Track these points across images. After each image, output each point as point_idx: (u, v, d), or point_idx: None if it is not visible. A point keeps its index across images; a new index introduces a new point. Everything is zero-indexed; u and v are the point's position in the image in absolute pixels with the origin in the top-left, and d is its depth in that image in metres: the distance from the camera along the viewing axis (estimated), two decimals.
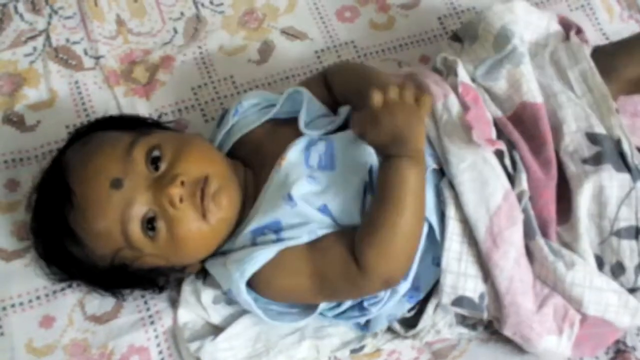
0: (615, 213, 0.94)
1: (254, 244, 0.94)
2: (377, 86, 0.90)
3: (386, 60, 1.23)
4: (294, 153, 0.95)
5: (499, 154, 0.96)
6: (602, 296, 0.93)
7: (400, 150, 0.88)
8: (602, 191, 0.94)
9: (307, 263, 0.91)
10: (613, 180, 0.94)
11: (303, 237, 0.91)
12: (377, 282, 0.89)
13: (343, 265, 0.90)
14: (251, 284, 0.92)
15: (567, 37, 1.10)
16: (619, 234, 0.94)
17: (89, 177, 0.90)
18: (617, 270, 0.95)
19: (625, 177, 0.95)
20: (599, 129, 0.97)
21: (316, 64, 1.22)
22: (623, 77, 1.04)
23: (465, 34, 1.12)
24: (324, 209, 0.93)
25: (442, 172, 0.96)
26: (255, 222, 0.94)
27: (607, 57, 1.06)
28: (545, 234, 0.95)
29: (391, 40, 1.25)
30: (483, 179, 0.93)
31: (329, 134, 0.99)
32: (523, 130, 0.99)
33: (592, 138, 0.97)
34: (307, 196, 0.93)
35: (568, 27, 1.11)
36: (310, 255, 0.91)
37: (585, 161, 0.96)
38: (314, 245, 0.91)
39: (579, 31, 1.11)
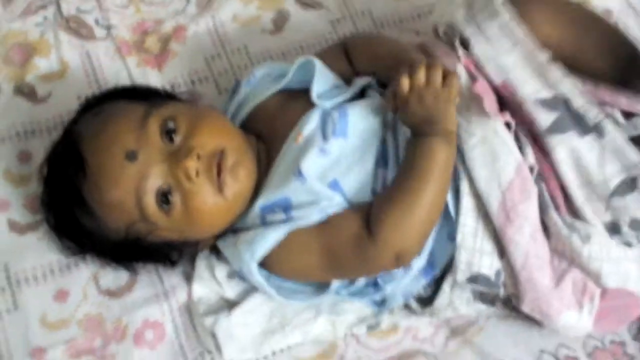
0: (602, 175, 0.91)
1: (263, 223, 0.92)
2: (405, 65, 0.89)
3: (404, 30, 1.20)
4: (309, 128, 0.93)
5: (508, 127, 0.93)
6: (621, 267, 0.91)
7: (432, 131, 0.88)
8: (578, 161, 0.92)
9: (318, 241, 0.90)
10: (582, 147, 0.91)
11: (313, 216, 0.90)
12: (389, 255, 0.88)
13: (354, 239, 0.88)
14: (263, 263, 0.91)
15: None
16: (617, 192, 0.91)
17: (102, 148, 0.88)
18: (637, 227, 0.92)
19: (591, 138, 0.92)
20: (546, 92, 0.93)
21: (331, 34, 1.19)
22: (538, 34, 0.96)
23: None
24: (334, 185, 0.91)
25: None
26: (265, 198, 0.92)
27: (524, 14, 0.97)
28: (556, 207, 0.93)
29: (409, 10, 1.22)
30: (494, 153, 0.91)
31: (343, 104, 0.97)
32: (508, 108, 0.96)
33: (545, 104, 0.93)
34: (317, 170, 0.91)
35: None
36: (320, 233, 0.90)
37: (548, 131, 0.92)
38: (324, 223, 0.90)
39: None
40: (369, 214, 0.89)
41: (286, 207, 0.91)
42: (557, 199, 0.93)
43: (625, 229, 0.92)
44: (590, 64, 0.97)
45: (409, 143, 0.90)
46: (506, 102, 0.96)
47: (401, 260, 0.89)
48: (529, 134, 0.95)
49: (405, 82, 0.88)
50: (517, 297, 0.94)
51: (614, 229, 0.92)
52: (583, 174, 0.92)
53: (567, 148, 0.92)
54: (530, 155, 0.93)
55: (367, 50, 1.03)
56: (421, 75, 0.88)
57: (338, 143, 0.93)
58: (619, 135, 0.92)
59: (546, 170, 0.94)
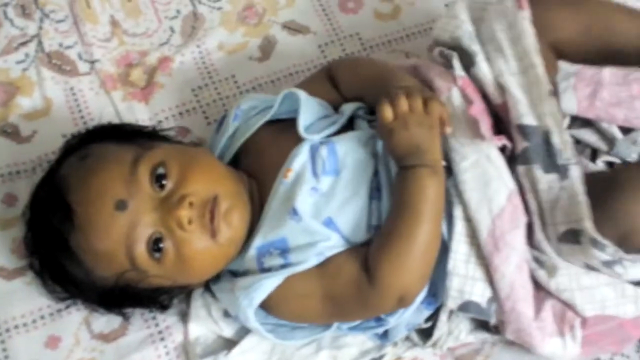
0: (552, 218, 0.89)
1: (261, 267, 0.90)
2: (387, 88, 0.87)
3: (393, 51, 1.19)
4: (298, 162, 0.91)
5: (503, 151, 0.91)
6: (595, 293, 0.89)
7: (417, 161, 0.86)
8: (536, 193, 0.90)
9: (317, 286, 0.88)
10: (540, 184, 0.89)
11: (311, 260, 0.87)
12: (391, 298, 0.86)
13: (354, 284, 0.86)
14: (261, 305, 0.89)
15: None
16: (563, 239, 0.88)
17: (91, 198, 0.85)
18: (594, 269, 0.90)
19: (553, 177, 0.89)
20: (529, 120, 0.91)
21: (320, 59, 1.17)
22: (561, 33, 0.96)
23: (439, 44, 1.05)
24: (328, 223, 0.89)
25: (450, 171, 0.92)
26: (261, 238, 0.90)
27: (542, 8, 0.95)
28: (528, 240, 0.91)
29: (397, 31, 1.20)
30: (486, 178, 0.89)
31: (331, 136, 0.95)
32: (505, 130, 0.94)
33: (522, 131, 0.91)
34: (310, 209, 0.89)
35: None
36: (319, 278, 0.87)
37: (517, 160, 0.91)
38: (322, 267, 0.88)
39: None
40: (367, 257, 0.87)
41: (283, 249, 0.89)
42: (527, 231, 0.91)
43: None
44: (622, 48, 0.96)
45: (397, 178, 0.88)
46: (504, 123, 0.94)
47: (404, 302, 0.87)
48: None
49: (387, 111, 0.86)
50: (502, 325, 0.91)
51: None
52: (539, 210, 0.90)
53: (529, 180, 0.90)
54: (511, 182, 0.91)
55: (351, 75, 1.01)
56: (403, 103, 0.86)
57: (329, 181, 0.91)
58: (579, 184, 0.88)
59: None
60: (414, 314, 0.92)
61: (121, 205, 0.85)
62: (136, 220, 0.85)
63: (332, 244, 0.88)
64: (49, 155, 1.05)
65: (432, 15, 1.22)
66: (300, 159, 0.91)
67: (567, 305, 0.90)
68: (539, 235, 0.90)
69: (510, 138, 0.92)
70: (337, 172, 0.91)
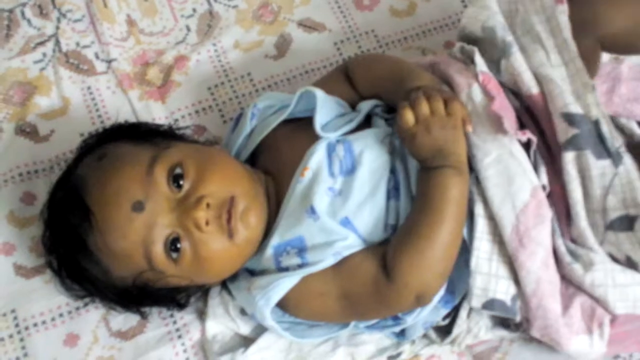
0: (602, 204, 0.88)
1: (278, 267, 0.89)
2: (406, 89, 0.87)
3: (409, 48, 1.18)
4: (315, 161, 0.91)
5: (526, 146, 0.90)
6: (629, 291, 0.88)
7: (442, 162, 0.85)
8: (585, 182, 0.89)
9: (334, 285, 0.87)
10: (593, 170, 0.88)
11: (328, 259, 0.87)
12: (409, 297, 0.85)
13: (372, 282, 0.86)
14: (278, 304, 0.88)
15: None
16: (612, 226, 0.88)
17: (109, 200, 0.85)
18: (631, 265, 0.88)
19: (606, 163, 0.88)
20: (575, 108, 0.90)
21: (336, 57, 1.17)
22: (604, 31, 0.94)
23: (466, 41, 1.03)
24: (346, 223, 0.89)
25: (471, 168, 0.91)
26: (278, 236, 0.90)
27: (586, 5, 0.95)
28: (561, 233, 0.90)
29: (413, 27, 1.20)
30: (509, 174, 0.88)
31: (348, 134, 0.94)
32: (532, 123, 0.94)
33: (569, 118, 0.90)
34: (328, 208, 0.89)
35: None
36: (336, 277, 0.87)
37: (564, 146, 0.89)
38: (339, 266, 0.87)
39: None
40: (385, 256, 0.86)
41: (300, 248, 0.88)
42: (562, 224, 0.90)
43: (621, 263, 0.89)
44: None
45: (420, 177, 0.88)
46: (533, 115, 0.93)
47: (422, 301, 0.87)
48: (547, 153, 0.92)
49: (409, 115, 0.86)
50: (528, 322, 0.91)
51: (614, 259, 0.89)
52: (586, 197, 0.89)
53: (577, 167, 0.89)
54: (544, 176, 0.90)
55: (368, 72, 1.01)
56: (424, 106, 0.86)
57: (346, 180, 0.90)
58: (634, 170, 0.88)
59: (556, 193, 0.90)
60: (431, 313, 0.91)
61: (138, 207, 0.85)
62: (153, 221, 0.85)
63: (349, 244, 0.88)
64: (66, 154, 1.06)
65: (448, 11, 1.21)
66: (316, 157, 0.91)
67: (598, 302, 0.89)
68: (582, 223, 0.88)
69: (537, 132, 0.91)
70: (354, 171, 0.91)
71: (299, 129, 0.96)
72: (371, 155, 0.91)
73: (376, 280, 0.86)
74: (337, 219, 0.89)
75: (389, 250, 0.86)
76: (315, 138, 0.93)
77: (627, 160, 0.89)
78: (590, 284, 0.88)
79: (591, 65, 0.93)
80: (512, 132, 0.89)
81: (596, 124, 0.90)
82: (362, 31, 1.19)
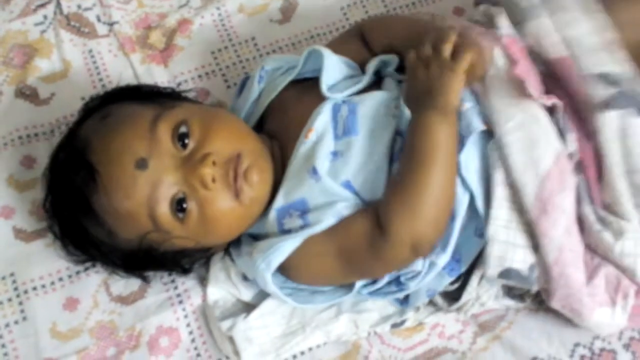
0: None
1: (281, 229, 0.88)
2: (425, 35, 0.85)
3: (418, 14, 1.16)
4: (320, 122, 0.89)
5: (550, 112, 0.88)
6: None
7: (429, 103, 0.83)
8: (626, 141, 0.86)
9: (331, 244, 0.86)
10: (636, 127, 0.86)
11: (328, 220, 0.85)
12: (404, 247, 0.83)
13: (367, 237, 0.84)
14: (279, 269, 0.87)
15: None
16: None
17: (112, 158, 0.84)
18: None
19: None
20: (612, 67, 0.88)
21: (342, 21, 1.15)
22: (619, 19, 0.93)
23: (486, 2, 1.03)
24: (347, 185, 0.87)
25: (490, 135, 0.89)
26: (282, 199, 0.88)
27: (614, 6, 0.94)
28: (591, 199, 0.88)
29: None
30: (532, 139, 0.86)
31: (355, 95, 0.92)
32: (559, 87, 0.91)
33: (606, 78, 0.88)
34: (330, 170, 0.87)
35: None
36: (333, 236, 0.86)
37: (605, 105, 0.87)
38: (337, 225, 0.86)
39: None
40: (378, 209, 0.85)
41: (303, 210, 0.87)
42: (592, 191, 0.88)
43: None
44: None
45: (409, 125, 0.86)
46: (560, 79, 0.91)
47: (419, 251, 0.84)
48: (574, 117, 0.89)
49: (412, 54, 0.85)
50: (548, 293, 0.89)
51: None
52: (627, 158, 0.87)
53: (617, 126, 0.86)
54: (572, 141, 0.88)
55: (385, 29, 0.99)
56: (427, 45, 0.84)
57: (348, 142, 0.88)
58: None
59: (587, 158, 0.88)
60: (435, 280, 0.89)
61: (142, 164, 0.83)
62: (158, 179, 0.83)
63: (350, 204, 0.86)
64: (67, 117, 1.04)
65: None
66: (322, 118, 0.89)
67: (625, 272, 0.87)
68: (619, 184, 0.86)
69: (565, 95, 0.89)
70: (356, 133, 0.89)
71: (306, 91, 0.94)
72: (373, 118, 0.89)
73: (371, 235, 0.84)
74: (338, 181, 0.87)
75: (380, 203, 0.85)
76: (322, 99, 0.91)
77: None
78: (619, 253, 0.86)
79: None
80: (537, 95, 0.86)
81: (632, 82, 0.88)
82: None
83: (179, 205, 0.84)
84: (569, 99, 0.90)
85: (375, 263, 0.86)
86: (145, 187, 0.83)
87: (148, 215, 0.84)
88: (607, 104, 0.87)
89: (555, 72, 0.92)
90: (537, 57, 0.93)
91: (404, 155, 0.85)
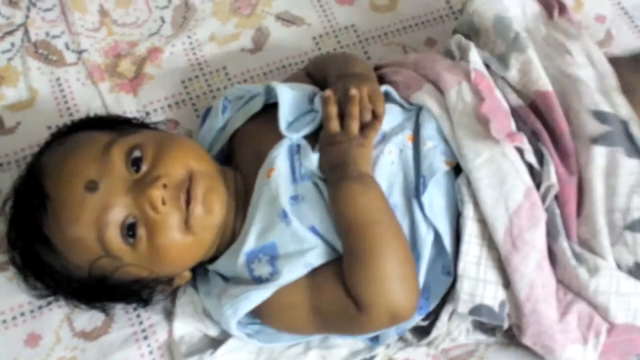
0: (626, 204, 0.85)
1: (252, 275, 0.86)
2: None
3: (390, 44, 1.16)
4: (280, 162, 0.88)
5: (520, 150, 0.88)
6: (631, 301, 0.85)
7: (343, 174, 0.84)
8: (610, 180, 0.86)
9: (305, 298, 0.84)
10: (622, 167, 0.86)
11: (298, 270, 0.84)
12: (382, 317, 0.81)
13: (341, 304, 0.82)
14: (250, 310, 0.85)
15: (550, 17, 1.02)
16: (633, 227, 0.85)
17: (63, 180, 0.83)
18: (638, 273, 0.86)
19: (635, 163, 0.86)
20: (605, 107, 0.89)
21: (314, 51, 1.15)
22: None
23: (465, 30, 1.03)
24: (313, 230, 0.86)
25: (458, 171, 0.88)
26: (252, 242, 0.86)
27: (630, 73, 0.95)
28: (567, 235, 0.87)
29: (394, 23, 1.18)
30: (502, 175, 0.86)
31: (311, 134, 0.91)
32: (542, 121, 0.91)
33: (600, 116, 0.88)
34: (297, 214, 0.86)
35: (550, 6, 1.02)
36: (307, 289, 0.84)
37: (594, 141, 0.87)
38: (310, 278, 0.84)
39: (562, 9, 1.02)
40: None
41: (272, 255, 0.85)
42: (570, 226, 0.88)
43: (624, 272, 0.86)
44: None
45: (329, 199, 0.85)
46: (544, 112, 0.91)
47: (397, 319, 0.82)
48: (555, 150, 0.89)
49: (324, 131, 0.87)
50: (519, 329, 0.88)
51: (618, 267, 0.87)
52: (609, 197, 0.86)
53: (606, 163, 0.87)
54: (553, 174, 0.87)
55: (319, 74, 1.00)
56: (335, 123, 0.87)
57: (305, 186, 0.87)
58: None
59: (567, 192, 0.88)
60: None
61: (92, 186, 0.82)
62: (108, 203, 0.82)
63: (319, 252, 0.85)
64: (33, 147, 1.02)
65: (430, 7, 1.19)
66: (280, 159, 0.88)
67: (597, 309, 0.86)
68: (600, 220, 0.86)
69: (545, 129, 0.90)
70: (311, 177, 0.88)
71: (268, 123, 0.93)
72: None
73: (345, 305, 0.82)
74: (305, 226, 0.86)
75: (346, 278, 0.82)
76: (280, 136, 0.90)
77: None
78: (594, 290, 0.85)
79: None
80: (501, 136, 0.86)
81: (626, 124, 0.88)
82: (342, 26, 1.17)
83: (129, 231, 0.83)
84: (551, 132, 0.90)
85: (351, 328, 0.85)
86: (95, 210, 0.82)
87: (97, 239, 0.82)
88: (596, 140, 0.87)
89: (539, 105, 0.92)
90: (522, 89, 0.93)
91: (341, 230, 0.84)
